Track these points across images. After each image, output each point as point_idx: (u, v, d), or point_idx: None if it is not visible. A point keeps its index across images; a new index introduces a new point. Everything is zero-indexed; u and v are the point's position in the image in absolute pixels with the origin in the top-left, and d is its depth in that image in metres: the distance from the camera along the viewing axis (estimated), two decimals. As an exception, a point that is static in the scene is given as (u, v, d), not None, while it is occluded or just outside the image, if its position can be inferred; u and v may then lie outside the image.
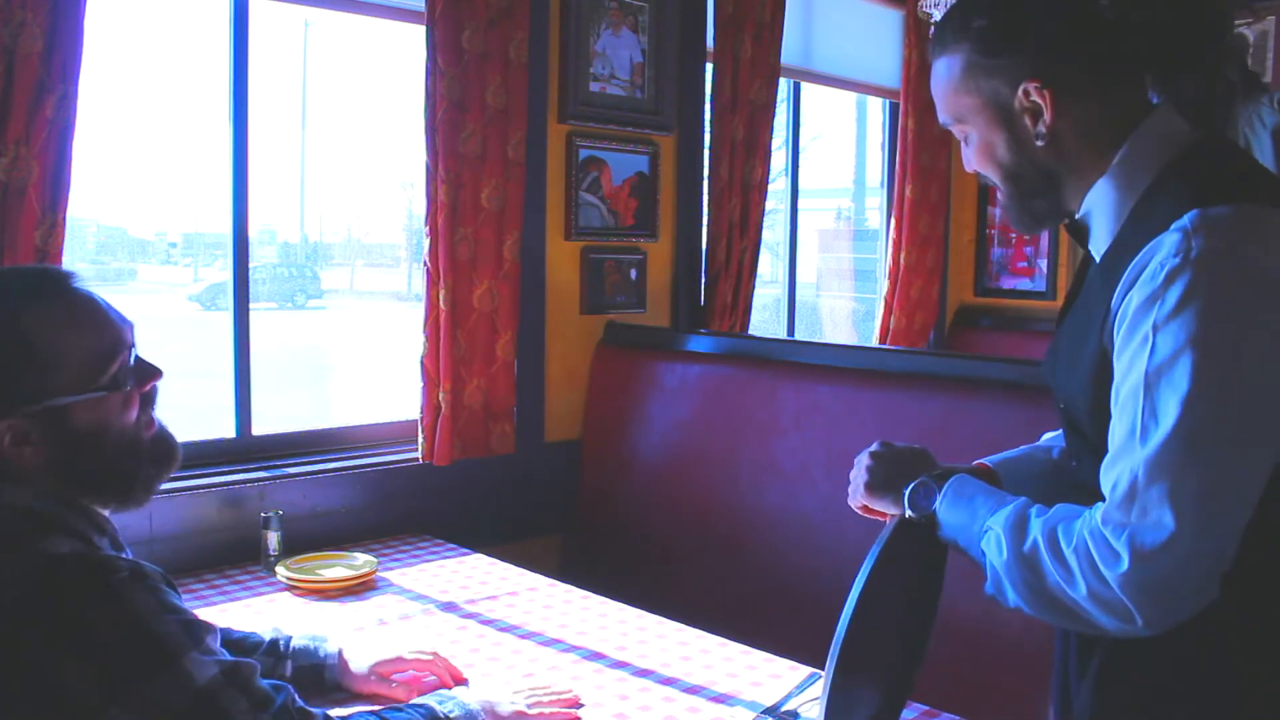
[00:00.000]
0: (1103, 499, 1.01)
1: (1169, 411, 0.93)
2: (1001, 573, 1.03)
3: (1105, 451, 1.03)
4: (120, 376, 1.14)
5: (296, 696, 1.16)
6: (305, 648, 1.61)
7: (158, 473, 1.21)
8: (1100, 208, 1.09)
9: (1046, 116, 1.07)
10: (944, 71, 1.14)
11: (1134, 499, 0.95)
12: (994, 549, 1.04)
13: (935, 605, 1.29)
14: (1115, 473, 0.97)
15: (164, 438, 1.22)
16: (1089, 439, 1.10)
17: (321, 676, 1.60)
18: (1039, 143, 1.09)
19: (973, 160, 1.16)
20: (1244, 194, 0.98)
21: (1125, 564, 0.93)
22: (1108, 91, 1.08)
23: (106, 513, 1.19)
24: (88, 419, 1.12)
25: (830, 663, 1.12)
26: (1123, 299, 0.99)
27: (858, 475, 1.26)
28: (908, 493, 1.18)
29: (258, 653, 1.56)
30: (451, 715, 1.38)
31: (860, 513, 1.29)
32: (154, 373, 1.19)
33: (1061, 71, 1.07)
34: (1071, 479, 1.18)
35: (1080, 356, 1.08)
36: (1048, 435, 1.37)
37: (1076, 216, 1.13)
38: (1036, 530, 1.01)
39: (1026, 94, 1.07)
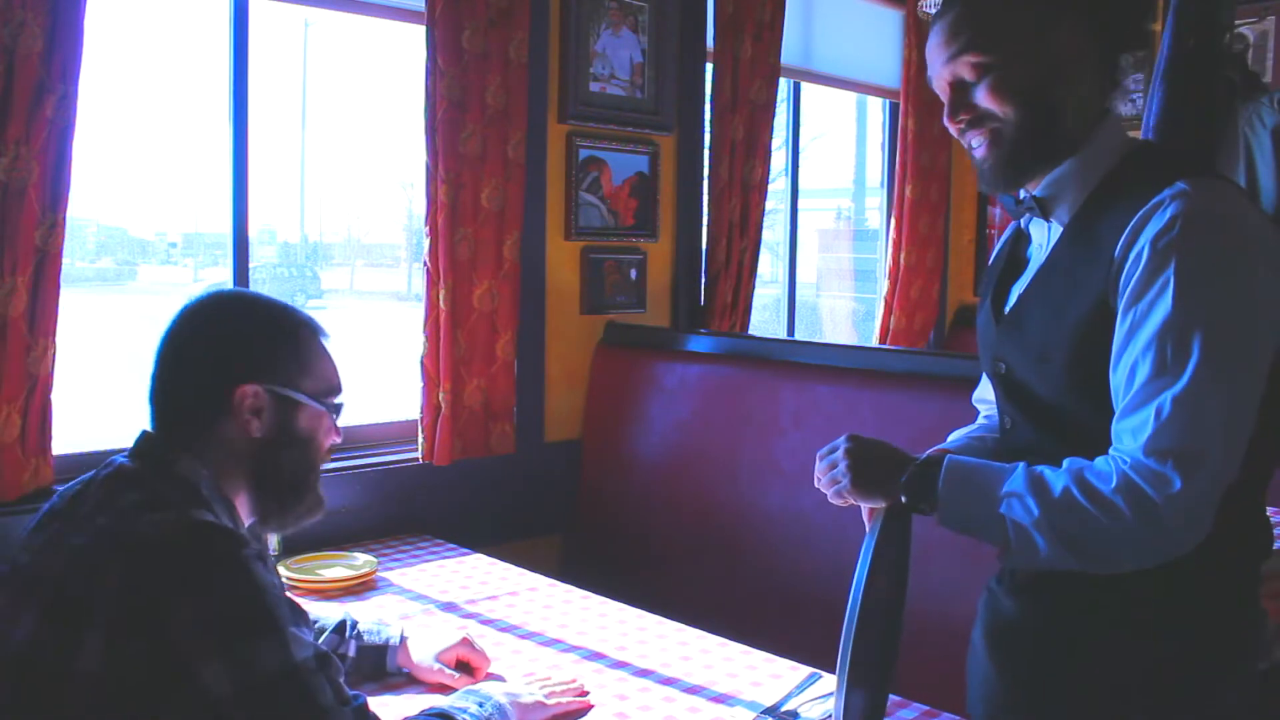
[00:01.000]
0: (1044, 451, 1.13)
1: (1196, 346, 1.04)
2: (1032, 529, 1.09)
3: (1056, 410, 1.17)
4: (336, 408, 1.34)
5: (369, 704, 1.20)
6: (371, 630, 1.70)
7: (305, 511, 1.33)
8: (1067, 183, 1.19)
9: (1078, 52, 1.16)
10: None
11: (1174, 427, 1.04)
12: (1020, 511, 1.10)
13: (905, 595, 1.33)
14: (1153, 406, 1.06)
15: (321, 493, 1.35)
16: (1034, 399, 1.19)
17: (383, 661, 1.69)
18: (1062, 77, 1.15)
19: (984, 95, 1.17)
20: (1214, 172, 1.14)
21: (1176, 484, 1.03)
22: (1103, 84, 1.19)
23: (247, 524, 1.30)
24: (305, 425, 1.29)
25: (842, 663, 1.13)
26: (1125, 253, 1.09)
27: (838, 474, 1.25)
28: (903, 484, 1.19)
29: (325, 634, 1.65)
30: (491, 717, 1.42)
31: (839, 505, 1.29)
32: (339, 431, 1.35)
33: (1095, 33, 1.17)
34: (1007, 445, 1.27)
35: (1064, 313, 1.15)
36: (955, 433, 1.45)
37: (1038, 194, 1.21)
38: (1062, 480, 1.09)
39: (1071, 33, 1.15)
